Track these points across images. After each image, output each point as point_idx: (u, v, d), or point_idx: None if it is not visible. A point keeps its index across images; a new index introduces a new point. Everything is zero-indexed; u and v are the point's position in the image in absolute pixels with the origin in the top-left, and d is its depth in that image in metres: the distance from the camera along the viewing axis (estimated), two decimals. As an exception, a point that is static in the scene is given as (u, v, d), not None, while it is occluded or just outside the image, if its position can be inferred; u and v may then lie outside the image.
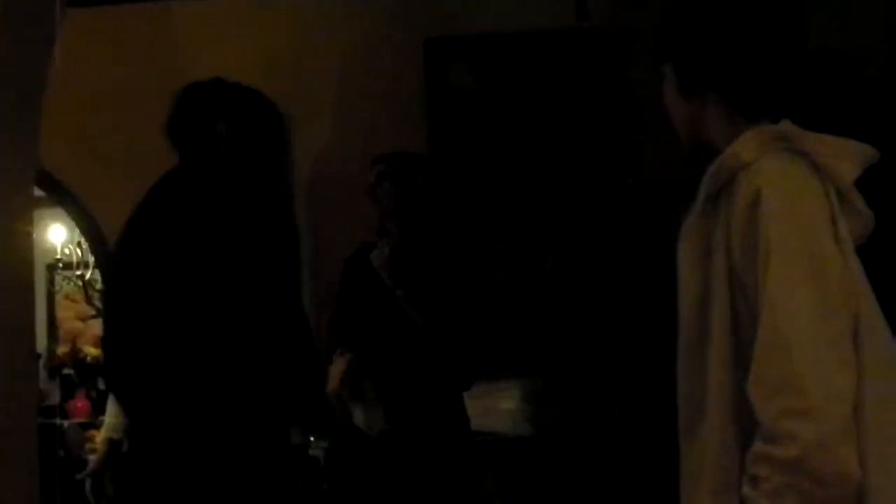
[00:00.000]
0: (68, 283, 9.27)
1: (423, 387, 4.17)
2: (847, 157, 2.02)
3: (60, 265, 9.21)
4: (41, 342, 7.72)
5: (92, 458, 4.61)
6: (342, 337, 4.30)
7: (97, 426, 5.66)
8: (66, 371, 8.57)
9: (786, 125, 2.06)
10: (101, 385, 7.47)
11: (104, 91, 5.88)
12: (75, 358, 8.51)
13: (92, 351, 8.24)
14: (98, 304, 8.06)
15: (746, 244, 1.93)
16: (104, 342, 3.23)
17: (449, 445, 4.15)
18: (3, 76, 3.54)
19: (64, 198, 6.06)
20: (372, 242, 4.43)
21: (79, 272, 8.73)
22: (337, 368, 4.07)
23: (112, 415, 4.55)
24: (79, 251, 8.67)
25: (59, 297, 9.44)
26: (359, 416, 4.11)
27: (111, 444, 4.58)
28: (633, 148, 5.50)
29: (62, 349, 8.74)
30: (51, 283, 9.39)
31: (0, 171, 3.63)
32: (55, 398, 8.37)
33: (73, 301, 9.14)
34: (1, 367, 3.63)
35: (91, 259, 7.79)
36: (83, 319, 8.88)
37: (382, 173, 4.37)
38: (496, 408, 4.35)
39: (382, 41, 5.78)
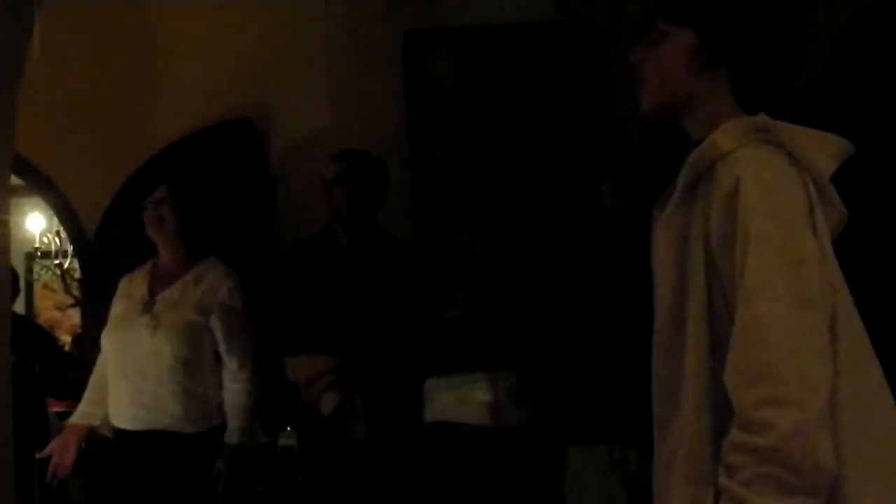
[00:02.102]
0: (47, 272, 9.24)
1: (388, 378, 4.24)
2: (825, 150, 2.02)
3: (39, 254, 9.18)
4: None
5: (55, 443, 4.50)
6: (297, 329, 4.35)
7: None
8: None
9: (764, 117, 2.07)
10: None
11: (83, 81, 5.86)
12: (53, 347, 8.47)
13: (69, 340, 8.21)
14: (76, 293, 8.03)
15: (724, 234, 1.93)
16: None
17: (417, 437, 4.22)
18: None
19: (42, 186, 6.03)
20: (310, 237, 4.53)
21: (57, 261, 8.70)
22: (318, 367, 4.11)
23: (89, 403, 4.51)
24: (57, 240, 8.64)
25: (37, 286, 9.42)
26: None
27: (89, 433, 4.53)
28: (609, 143, 5.52)
29: (40, 338, 8.69)
30: (29, 271, 9.36)
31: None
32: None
33: (52, 290, 9.12)
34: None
35: (69, 248, 7.75)
36: (61, 309, 8.86)
37: (341, 174, 4.40)
38: (472, 399, 4.34)
39: (362, 33, 5.77)
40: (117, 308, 4.50)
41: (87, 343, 4.59)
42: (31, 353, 5.08)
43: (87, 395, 4.53)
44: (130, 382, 4.33)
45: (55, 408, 6.33)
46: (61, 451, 4.42)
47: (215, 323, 4.36)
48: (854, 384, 1.91)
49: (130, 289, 4.51)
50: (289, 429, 5.19)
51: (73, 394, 4.64)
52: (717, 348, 1.94)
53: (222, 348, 4.37)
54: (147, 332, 4.30)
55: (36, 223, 8.95)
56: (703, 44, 2.09)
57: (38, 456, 4.51)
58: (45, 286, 9.35)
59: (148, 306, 4.38)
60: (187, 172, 5.26)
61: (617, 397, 3.54)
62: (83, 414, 4.52)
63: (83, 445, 4.46)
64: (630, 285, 3.48)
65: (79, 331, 7.12)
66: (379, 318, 4.24)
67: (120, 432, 4.38)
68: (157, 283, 4.47)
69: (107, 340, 4.46)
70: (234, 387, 4.34)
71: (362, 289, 4.29)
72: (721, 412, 1.93)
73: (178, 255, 4.49)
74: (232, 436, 4.30)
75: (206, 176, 5.38)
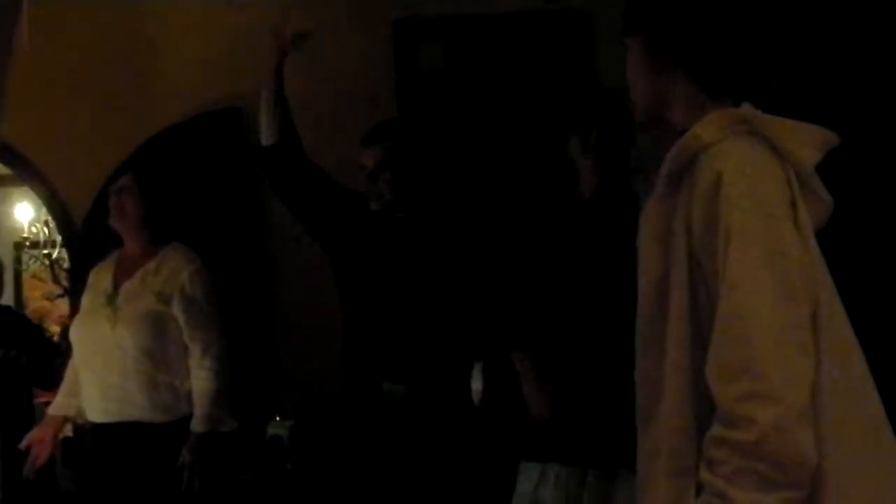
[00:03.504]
0: (35, 262, 9.22)
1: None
2: (808, 142, 2.02)
3: (27, 244, 9.14)
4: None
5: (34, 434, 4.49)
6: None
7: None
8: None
9: (747, 108, 2.07)
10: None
11: (72, 69, 5.85)
12: (42, 337, 8.44)
13: (58, 330, 8.19)
14: (65, 283, 8.01)
15: (706, 226, 1.93)
16: None
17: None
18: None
19: (30, 176, 6.02)
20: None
21: (46, 251, 8.67)
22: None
23: (65, 394, 4.49)
24: (46, 230, 8.61)
25: (25, 276, 9.39)
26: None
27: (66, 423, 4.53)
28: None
29: (29, 328, 8.67)
30: (17, 261, 9.32)
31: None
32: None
33: (41, 280, 9.08)
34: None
35: (58, 238, 7.73)
36: (50, 299, 8.83)
37: (381, 161, 4.02)
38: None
39: (351, 21, 5.76)
40: (84, 301, 4.47)
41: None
42: (16, 344, 5.06)
43: (64, 385, 4.51)
44: (97, 376, 4.31)
45: (42, 398, 6.32)
46: (39, 443, 4.41)
47: (177, 310, 4.31)
48: (836, 377, 1.93)
49: (97, 281, 4.47)
50: (278, 418, 5.20)
51: (61, 384, 4.63)
52: (700, 341, 1.95)
53: (186, 335, 4.31)
54: (108, 324, 4.27)
55: (24, 213, 8.91)
56: (653, 49, 2.14)
57: (19, 447, 4.48)
58: (34, 276, 9.30)
59: (111, 298, 4.33)
60: (165, 160, 5.23)
61: (581, 416, 3.47)
62: (59, 405, 4.51)
63: (61, 436, 4.44)
64: (600, 282, 3.43)
65: (67, 321, 7.10)
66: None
67: (94, 425, 4.37)
68: (121, 274, 4.42)
69: (74, 334, 4.44)
70: (198, 374, 4.29)
71: (418, 264, 3.98)
72: (703, 406, 1.93)
73: (141, 244, 4.42)
74: (196, 424, 4.25)
75: (193, 165, 5.36)
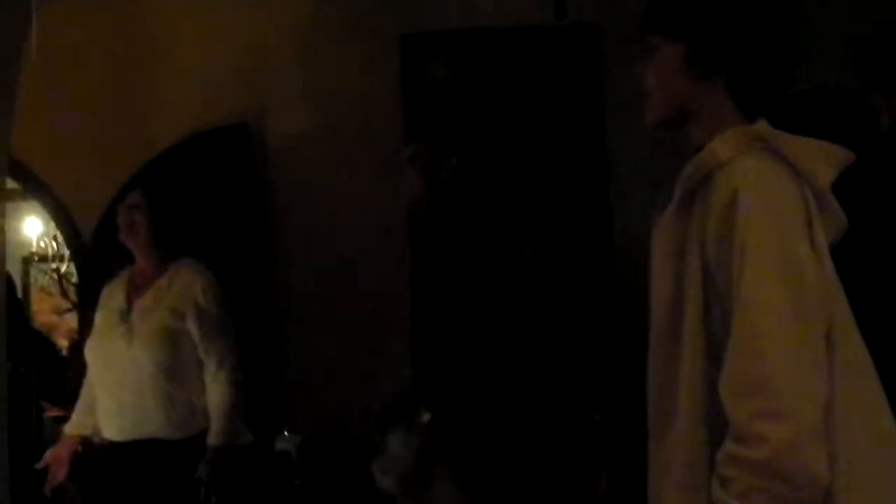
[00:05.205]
0: (43, 277, 9.23)
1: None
2: (824, 159, 2.01)
3: (36, 258, 9.16)
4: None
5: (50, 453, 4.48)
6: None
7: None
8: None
9: (763, 125, 2.06)
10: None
11: (80, 85, 5.86)
12: (50, 351, 8.45)
13: (66, 344, 8.20)
14: (73, 297, 8.02)
15: (721, 243, 1.92)
16: None
17: None
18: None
19: (39, 190, 6.03)
20: None
21: (54, 265, 8.69)
22: None
23: (81, 412, 4.49)
24: (54, 244, 8.62)
25: (34, 290, 9.40)
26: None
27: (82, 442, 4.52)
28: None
29: (36, 342, 8.68)
30: (26, 275, 9.34)
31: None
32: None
33: (48, 294, 9.10)
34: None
35: (66, 252, 7.74)
36: (58, 313, 8.84)
37: (413, 154, 3.94)
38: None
39: (359, 35, 5.77)
40: (97, 319, 4.47)
41: (83, 348, 4.56)
42: (27, 359, 5.07)
43: (79, 404, 4.50)
44: (113, 394, 4.30)
45: (51, 412, 6.32)
46: (56, 462, 4.41)
47: (191, 325, 4.28)
48: (850, 395, 1.91)
49: (109, 299, 4.46)
50: (286, 433, 5.19)
51: (73, 399, 4.62)
52: (713, 359, 1.93)
53: (200, 350, 4.29)
54: (124, 342, 4.25)
55: (33, 227, 8.94)
56: (697, 55, 2.08)
57: (36, 466, 4.47)
58: (42, 290, 9.33)
59: (125, 315, 4.32)
60: (174, 176, 5.23)
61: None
62: (75, 424, 4.50)
63: (77, 453, 4.43)
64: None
65: (75, 335, 7.09)
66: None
67: (109, 442, 4.36)
68: (133, 291, 4.39)
69: (88, 353, 4.43)
70: (213, 388, 4.26)
71: (438, 262, 3.93)
72: (716, 421, 1.92)
73: (152, 260, 4.40)
74: (213, 437, 4.22)
75: (201, 180, 5.37)
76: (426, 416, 3.64)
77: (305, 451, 5.11)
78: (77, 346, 6.71)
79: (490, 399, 3.59)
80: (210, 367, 4.28)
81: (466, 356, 3.63)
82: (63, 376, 5.28)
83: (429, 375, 3.83)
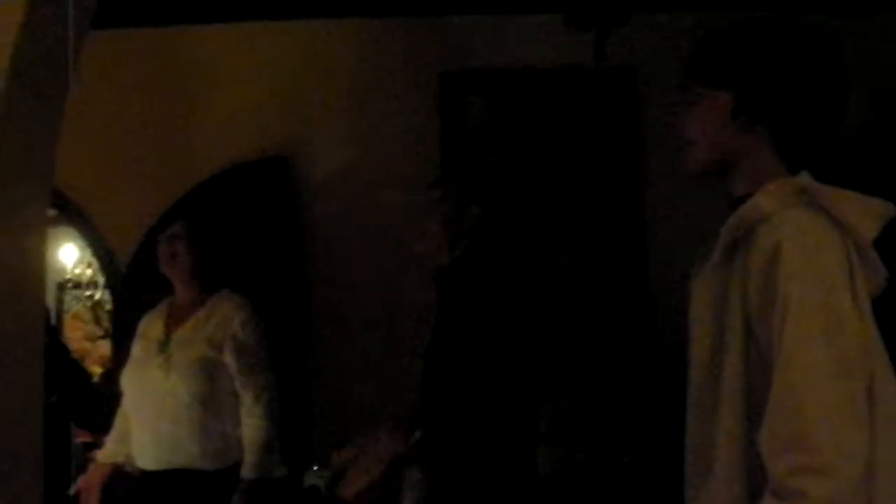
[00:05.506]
0: (77, 303, 9.29)
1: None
2: (868, 214, 2.01)
3: (70, 284, 9.23)
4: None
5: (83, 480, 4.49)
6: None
7: (101, 446, 5.63)
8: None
9: (806, 178, 2.05)
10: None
11: (119, 114, 5.90)
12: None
13: (98, 371, 8.24)
14: (106, 325, 8.06)
15: (763, 297, 1.92)
16: None
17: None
18: (23, 93, 3.55)
19: (75, 218, 6.07)
20: None
21: (88, 292, 8.75)
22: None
23: (115, 441, 4.50)
24: (89, 272, 8.69)
25: (67, 317, 9.46)
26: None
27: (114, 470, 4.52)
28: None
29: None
30: (60, 302, 9.40)
31: (16, 188, 3.63)
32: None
33: (82, 321, 9.16)
34: (10, 385, 3.62)
35: (101, 280, 7.79)
36: (91, 340, 8.89)
37: (434, 201, 3.89)
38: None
39: (398, 72, 5.80)
40: (135, 349, 4.48)
41: (117, 376, 4.58)
42: (60, 385, 5.07)
43: (113, 432, 4.51)
44: (149, 423, 4.31)
45: (81, 438, 6.34)
46: (87, 489, 4.42)
47: (229, 357, 4.29)
48: (891, 449, 1.90)
49: (148, 329, 4.48)
50: (315, 468, 5.18)
51: (105, 427, 4.63)
52: (753, 411, 1.93)
53: (237, 382, 4.29)
54: (161, 372, 4.27)
55: (69, 254, 9.00)
56: (740, 105, 2.08)
57: (68, 492, 4.48)
58: (75, 316, 9.39)
59: (163, 346, 4.33)
60: (216, 208, 5.26)
61: None
62: (109, 452, 4.51)
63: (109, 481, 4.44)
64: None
65: (108, 363, 7.14)
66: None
67: (143, 472, 4.37)
68: (172, 322, 4.42)
69: (125, 382, 4.44)
70: (249, 421, 4.27)
71: (453, 312, 3.80)
72: (756, 476, 1.91)
73: (192, 292, 4.43)
74: (247, 470, 4.23)
75: (239, 212, 5.39)
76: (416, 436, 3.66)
77: (335, 486, 5.09)
78: (109, 373, 6.75)
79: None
80: (246, 400, 4.29)
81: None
82: (95, 403, 5.29)
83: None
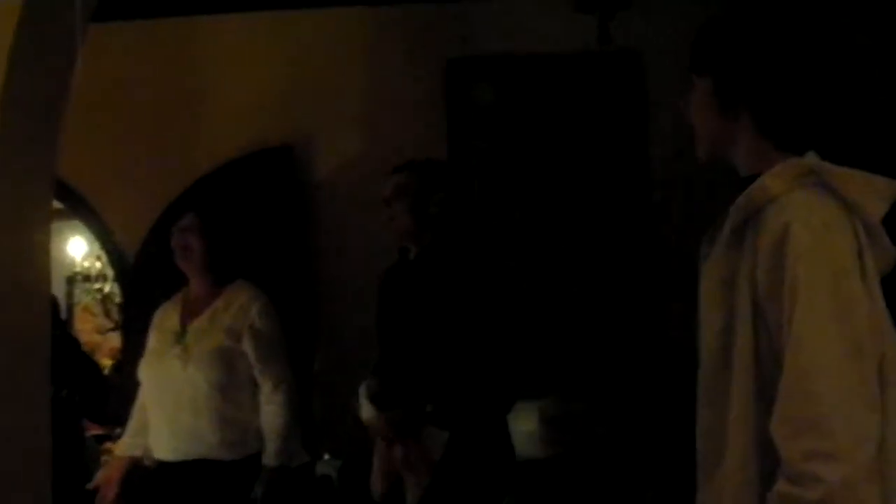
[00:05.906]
0: (87, 296, 9.29)
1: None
2: (876, 193, 2.00)
3: (79, 278, 9.23)
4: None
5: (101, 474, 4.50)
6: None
7: (113, 438, 5.64)
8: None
9: (813, 159, 2.04)
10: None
11: (125, 106, 5.90)
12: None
13: (109, 363, 8.24)
14: (116, 317, 8.06)
15: (772, 279, 1.90)
16: None
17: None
18: (26, 88, 3.54)
19: (83, 211, 6.07)
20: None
21: (98, 285, 8.75)
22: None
23: (133, 434, 4.50)
24: (98, 264, 8.69)
25: (77, 309, 9.47)
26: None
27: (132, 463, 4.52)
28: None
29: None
30: (69, 295, 9.41)
31: (20, 182, 3.63)
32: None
33: (92, 314, 9.16)
34: (17, 378, 3.62)
35: (110, 272, 7.79)
36: (101, 332, 8.89)
37: (400, 186, 3.91)
38: (514, 430, 4.30)
39: (404, 60, 5.79)
40: (151, 341, 4.49)
41: (128, 369, 4.58)
42: (71, 379, 5.07)
43: (130, 425, 4.52)
44: (167, 414, 4.31)
45: (92, 431, 6.34)
46: (106, 483, 4.42)
47: (247, 346, 4.31)
48: None
49: (163, 320, 4.49)
50: (327, 457, 5.18)
51: (115, 419, 4.63)
52: (764, 394, 1.92)
53: (256, 371, 4.31)
54: (179, 363, 4.28)
55: (77, 247, 9.00)
56: (718, 90, 2.10)
57: (87, 487, 4.49)
58: (85, 309, 9.40)
59: (179, 337, 4.35)
60: (226, 199, 5.25)
61: None
62: (127, 445, 4.51)
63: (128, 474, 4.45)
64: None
65: (119, 356, 7.14)
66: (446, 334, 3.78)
67: (160, 463, 4.37)
68: (187, 313, 4.43)
69: (142, 374, 4.45)
70: (269, 409, 4.29)
71: (428, 304, 3.84)
72: (768, 458, 1.90)
73: (206, 282, 4.44)
74: (269, 458, 4.24)
75: (246, 203, 5.38)
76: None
77: (346, 475, 5.09)
78: (120, 365, 6.76)
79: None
80: (266, 388, 4.30)
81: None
82: (106, 396, 5.30)
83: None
